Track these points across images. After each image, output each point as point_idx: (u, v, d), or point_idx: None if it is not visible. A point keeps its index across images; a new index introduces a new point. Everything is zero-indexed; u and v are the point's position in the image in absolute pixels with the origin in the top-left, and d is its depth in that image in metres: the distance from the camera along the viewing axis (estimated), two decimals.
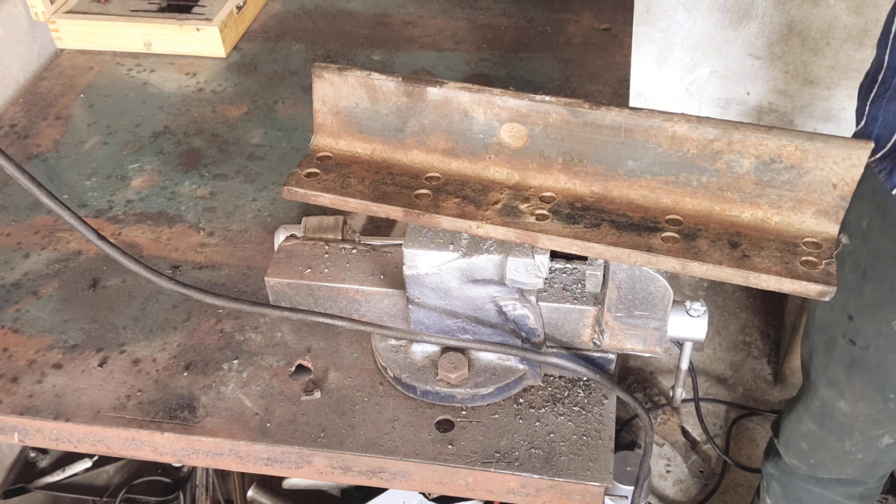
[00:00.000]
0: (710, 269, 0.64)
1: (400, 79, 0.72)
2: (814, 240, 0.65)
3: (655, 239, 0.66)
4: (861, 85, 1.03)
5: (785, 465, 1.36)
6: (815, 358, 1.21)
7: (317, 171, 0.75)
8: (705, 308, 0.78)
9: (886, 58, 0.97)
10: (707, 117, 0.66)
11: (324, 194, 0.73)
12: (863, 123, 1.02)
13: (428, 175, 0.74)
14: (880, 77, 0.98)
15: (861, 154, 0.62)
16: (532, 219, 0.69)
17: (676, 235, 0.67)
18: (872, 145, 0.62)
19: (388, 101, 0.73)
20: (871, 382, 1.12)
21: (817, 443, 1.26)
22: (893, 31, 0.94)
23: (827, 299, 0.62)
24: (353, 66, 0.73)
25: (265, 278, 0.83)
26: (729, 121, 0.65)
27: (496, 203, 0.71)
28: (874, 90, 1.00)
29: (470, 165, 0.73)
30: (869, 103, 1.00)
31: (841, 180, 0.64)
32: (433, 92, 0.71)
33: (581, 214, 0.69)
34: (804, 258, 0.64)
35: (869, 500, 1.38)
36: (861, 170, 0.63)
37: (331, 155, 0.76)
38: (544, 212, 0.69)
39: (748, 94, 2.07)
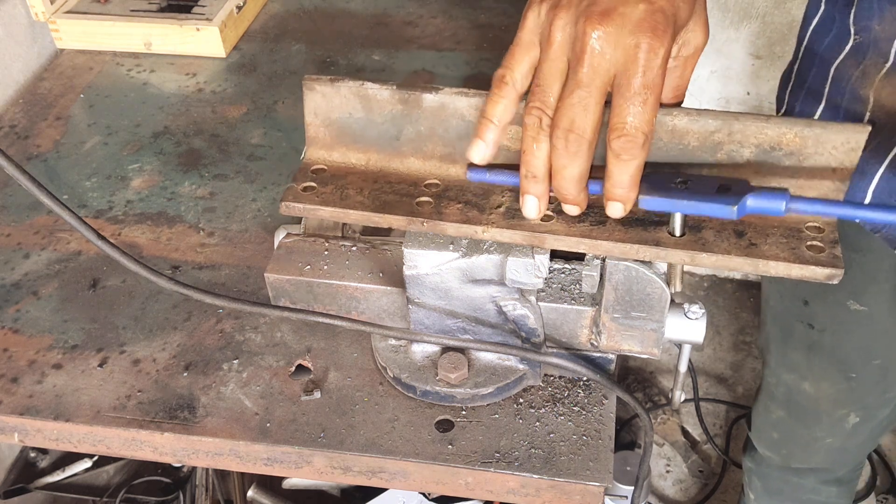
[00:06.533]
0: (719, 259, 0.64)
1: (395, 87, 0.71)
2: (816, 224, 0.66)
3: (662, 233, 0.66)
4: (783, 72, 1.03)
5: (761, 458, 1.38)
6: (773, 347, 1.22)
7: (313, 184, 0.74)
8: (704, 311, 0.77)
9: (802, 50, 0.97)
10: (706, 109, 0.66)
11: (323, 207, 0.72)
12: (782, 112, 1.02)
13: (427, 182, 0.73)
14: (796, 68, 0.98)
15: (858, 138, 0.63)
16: (536, 220, 0.69)
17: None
18: (870, 128, 0.62)
19: (382, 110, 0.72)
20: (832, 363, 1.14)
21: (787, 431, 1.28)
22: (812, 25, 0.94)
23: (835, 282, 0.63)
24: (346, 77, 0.72)
25: (265, 274, 0.83)
26: (728, 111, 0.65)
27: (499, 206, 0.70)
28: (792, 80, 1.00)
29: None
30: (788, 93, 1.01)
31: (840, 164, 0.64)
32: (429, 98, 0.71)
33: (585, 212, 0.68)
34: (809, 242, 0.64)
35: (847, 485, 1.38)
36: (859, 153, 0.63)
37: (325, 167, 0.75)
38: (548, 212, 0.69)
39: (748, 93, 2.07)
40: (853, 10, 0.85)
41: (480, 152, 0.66)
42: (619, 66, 0.58)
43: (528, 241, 0.68)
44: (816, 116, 0.94)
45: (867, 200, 0.89)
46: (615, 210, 0.63)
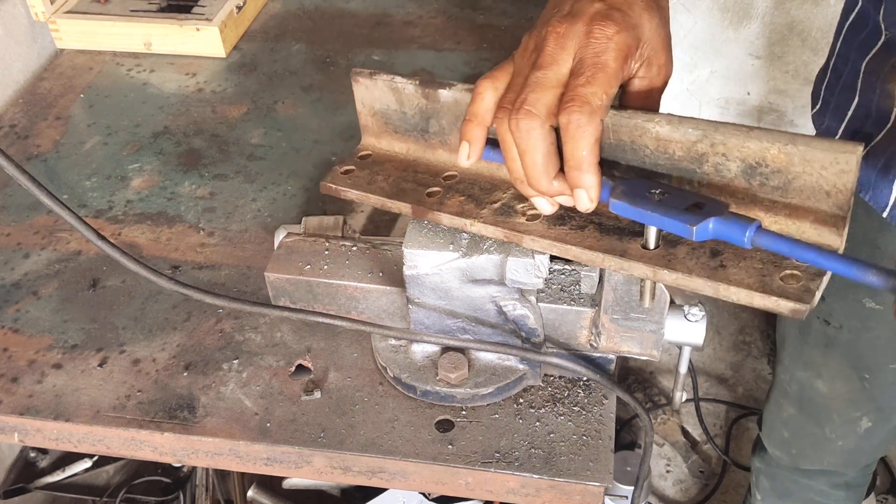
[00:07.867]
0: (679, 277, 0.61)
1: (417, 81, 0.73)
2: None
3: (635, 244, 0.64)
4: (820, 68, 1.04)
5: (770, 458, 1.37)
6: (789, 342, 1.22)
7: (353, 168, 0.78)
8: (703, 313, 0.77)
9: (838, 46, 0.97)
10: (688, 117, 0.62)
11: (350, 190, 0.76)
12: (817, 108, 1.03)
13: (446, 174, 0.75)
14: (832, 63, 0.99)
15: (849, 158, 0.57)
16: (522, 219, 0.69)
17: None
18: (862, 147, 0.57)
19: (411, 104, 0.74)
20: (847, 361, 1.13)
21: (798, 429, 1.27)
22: (848, 22, 0.95)
23: (801, 318, 0.58)
24: (382, 71, 0.75)
25: (265, 274, 0.83)
26: (709, 121, 0.61)
27: (496, 202, 0.71)
28: (827, 76, 1.01)
29: (485, 164, 0.73)
30: (824, 88, 1.01)
31: (833, 187, 0.58)
32: (444, 94, 0.72)
33: (571, 216, 0.68)
34: (788, 271, 0.59)
35: (856, 489, 1.38)
36: (853, 176, 0.57)
37: (371, 153, 0.79)
38: (536, 212, 0.69)
39: (748, 94, 2.07)
40: (882, 8, 0.86)
41: (465, 152, 0.67)
42: (576, 57, 0.62)
43: (509, 238, 0.69)
44: (851, 111, 0.94)
45: (892, 196, 0.88)
46: (581, 199, 0.61)
